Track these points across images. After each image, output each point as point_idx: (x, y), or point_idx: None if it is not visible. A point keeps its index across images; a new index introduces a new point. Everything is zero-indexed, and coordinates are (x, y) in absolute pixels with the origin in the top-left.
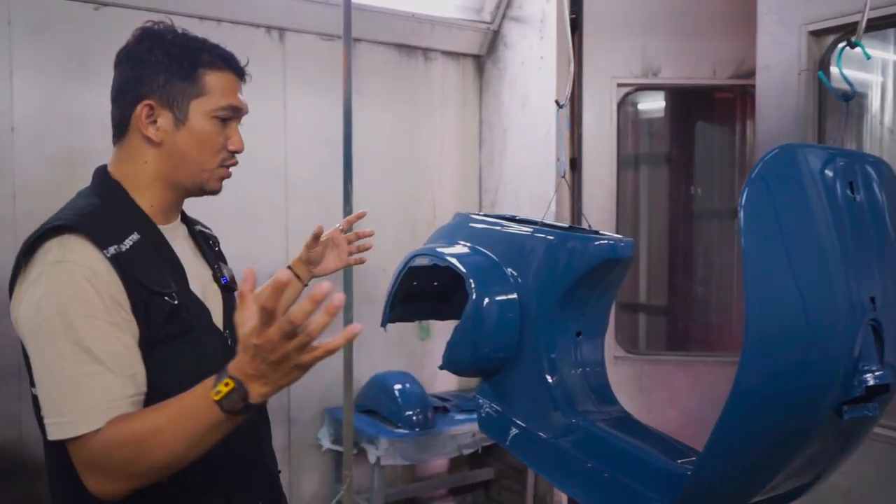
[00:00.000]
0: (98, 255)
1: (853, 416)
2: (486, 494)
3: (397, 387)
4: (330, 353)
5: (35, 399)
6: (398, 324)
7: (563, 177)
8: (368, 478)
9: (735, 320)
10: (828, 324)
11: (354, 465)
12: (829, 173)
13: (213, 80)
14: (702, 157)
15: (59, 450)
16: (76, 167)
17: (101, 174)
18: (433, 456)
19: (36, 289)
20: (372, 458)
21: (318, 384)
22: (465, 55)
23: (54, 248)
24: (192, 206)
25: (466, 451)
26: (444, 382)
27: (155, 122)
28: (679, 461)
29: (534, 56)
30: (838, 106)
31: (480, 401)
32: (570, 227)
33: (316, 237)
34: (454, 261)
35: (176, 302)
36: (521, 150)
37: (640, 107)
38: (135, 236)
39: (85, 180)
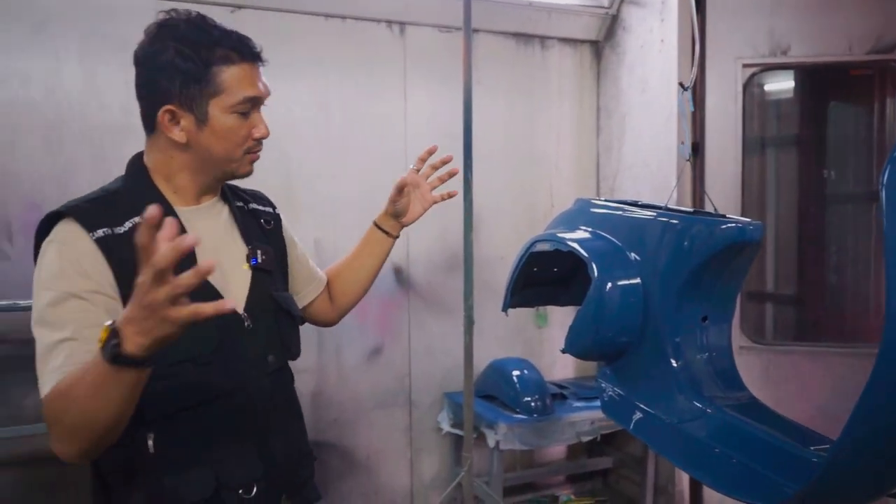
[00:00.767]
0: (84, 236)
1: None
2: (604, 483)
3: (516, 373)
4: (197, 315)
5: None
6: (516, 311)
7: (689, 160)
8: (487, 462)
9: (873, 309)
10: None
11: (473, 448)
12: None
13: (228, 76)
14: (835, 139)
15: None
16: None
17: (134, 161)
18: (551, 442)
19: (36, 267)
20: (491, 443)
21: (437, 369)
22: (582, 41)
23: (48, 230)
24: (315, 194)
25: (585, 439)
26: (563, 370)
27: (178, 124)
28: (812, 448)
29: (654, 39)
30: None
31: (603, 384)
32: (696, 211)
33: (400, 189)
34: (576, 245)
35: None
36: (641, 135)
37: (767, 87)
38: (136, 219)
39: None
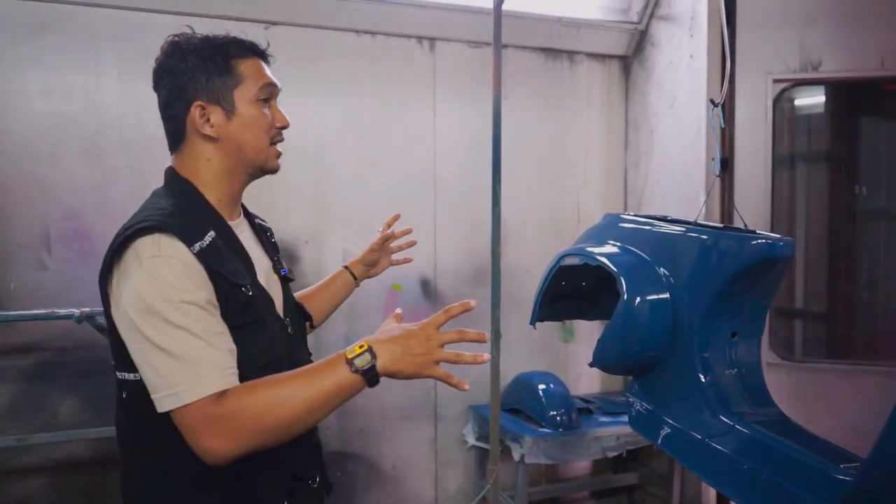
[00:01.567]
0: (187, 251)
1: None
2: (629, 499)
3: (541, 387)
4: (454, 359)
5: (121, 383)
6: (542, 325)
7: (718, 176)
8: (512, 475)
9: None
10: None
11: (498, 462)
12: None
13: (245, 67)
14: (867, 155)
15: (149, 425)
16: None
17: (173, 174)
18: (577, 457)
19: (137, 281)
20: (516, 456)
21: None
22: (610, 56)
23: (148, 245)
24: (345, 207)
25: (611, 454)
26: (589, 384)
27: (208, 119)
28: (842, 466)
29: (683, 55)
30: None
31: (630, 399)
32: (725, 227)
33: (380, 244)
34: (605, 260)
35: (250, 293)
36: (669, 150)
37: (798, 102)
38: (212, 233)
39: (255, 183)
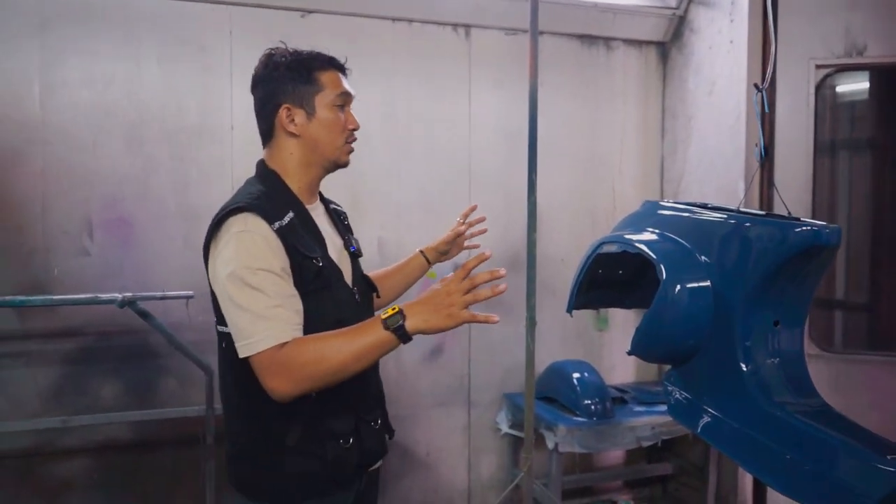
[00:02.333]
0: (268, 228)
1: None
2: (663, 490)
3: (576, 375)
4: (471, 320)
5: (220, 335)
6: (576, 314)
7: (761, 163)
8: (545, 463)
9: None
10: None
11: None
12: None
13: (325, 77)
14: None
15: (239, 370)
16: None
17: (262, 166)
18: (611, 446)
19: (227, 251)
20: (550, 445)
21: (497, 370)
22: (647, 43)
23: (238, 223)
24: (380, 195)
25: (646, 444)
26: (623, 373)
27: (293, 119)
28: (889, 457)
29: (723, 40)
30: None
31: (669, 388)
32: (768, 214)
33: (455, 237)
34: (644, 247)
35: (320, 264)
36: (707, 137)
37: (840, 89)
38: (290, 214)
39: None
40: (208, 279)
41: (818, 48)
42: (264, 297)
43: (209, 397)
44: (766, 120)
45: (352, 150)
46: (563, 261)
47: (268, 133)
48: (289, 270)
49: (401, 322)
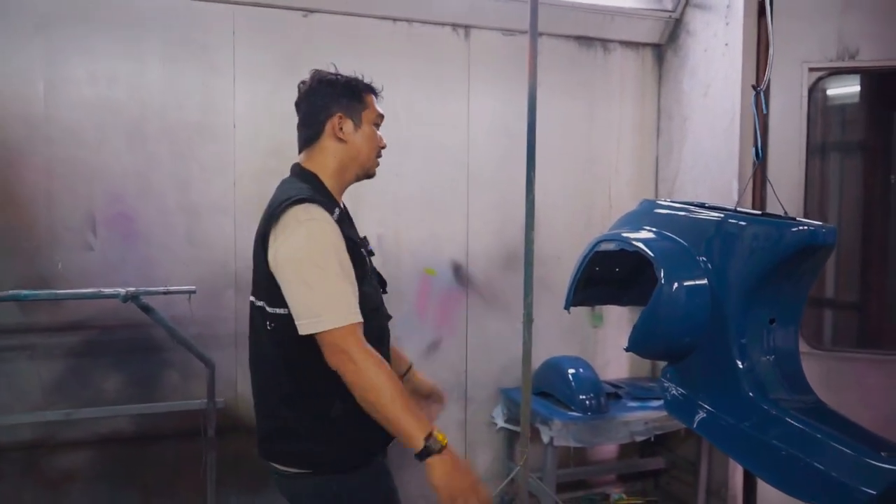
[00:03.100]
0: (330, 218)
1: None
2: (655, 484)
3: (571, 371)
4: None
5: (270, 316)
6: (572, 311)
7: (758, 162)
8: (540, 457)
9: None
10: None
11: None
12: None
13: (369, 98)
14: None
15: (291, 349)
16: (286, 158)
17: (300, 168)
18: (605, 441)
19: (296, 236)
20: (545, 439)
21: (493, 366)
22: (644, 45)
23: (304, 212)
24: (378, 192)
25: (639, 439)
26: (617, 369)
27: (342, 128)
28: (883, 453)
29: (718, 43)
30: None
31: (665, 384)
32: (764, 213)
33: (440, 400)
34: (642, 245)
35: (365, 252)
36: (702, 139)
37: (831, 92)
38: (337, 209)
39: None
40: (259, 264)
41: (811, 51)
42: (333, 280)
43: (210, 391)
44: (761, 121)
45: (378, 164)
46: (559, 258)
47: (313, 138)
48: (347, 256)
49: (427, 456)
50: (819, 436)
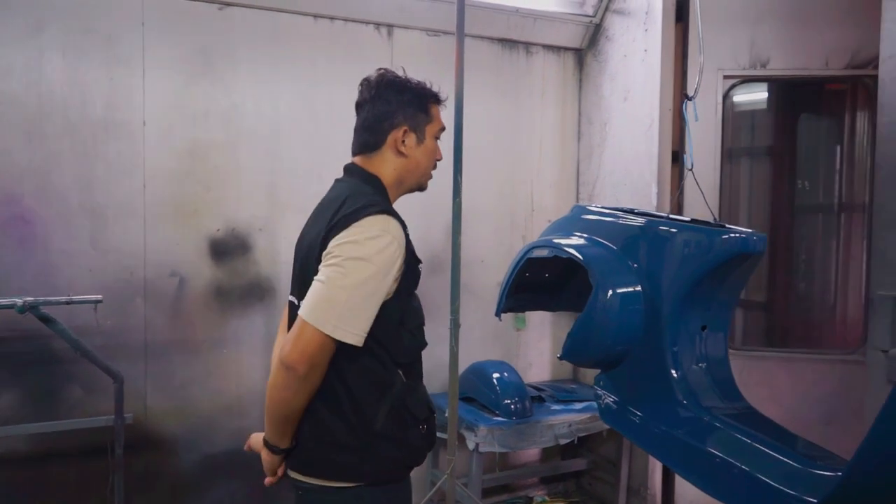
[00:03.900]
0: (403, 237)
1: None
2: (577, 484)
3: (496, 375)
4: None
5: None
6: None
7: (691, 169)
8: (465, 463)
9: (838, 317)
10: None
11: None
12: None
13: (435, 110)
14: (806, 151)
15: (340, 357)
16: (199, 158)
17: (362, 170)
18: (530, 445)
19: (366, 238)
20: (470, 445)
21: None
22: (565, 49)
23: (381, 223)
24: (300, 194)
25: (563, 441)
26: (540, 372)
27: (405, 142)
28: (818, 461)
29: (637, 49)
30: None
31: (599, 392)
32: (693, 221)
33: None
34: (575, 252)
35: (420, 270)
36: (622, 143)
37: (738, 98)
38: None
39: (207, 170)
40: (311, 264)
41: (726, 59)
42: (363, 299)
43: (119, 406)
44: (676, 128)
45: (432, 177)
46: (483, 262)
47: (375, 146)
48: (397, 276)
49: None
50: (755, 444)
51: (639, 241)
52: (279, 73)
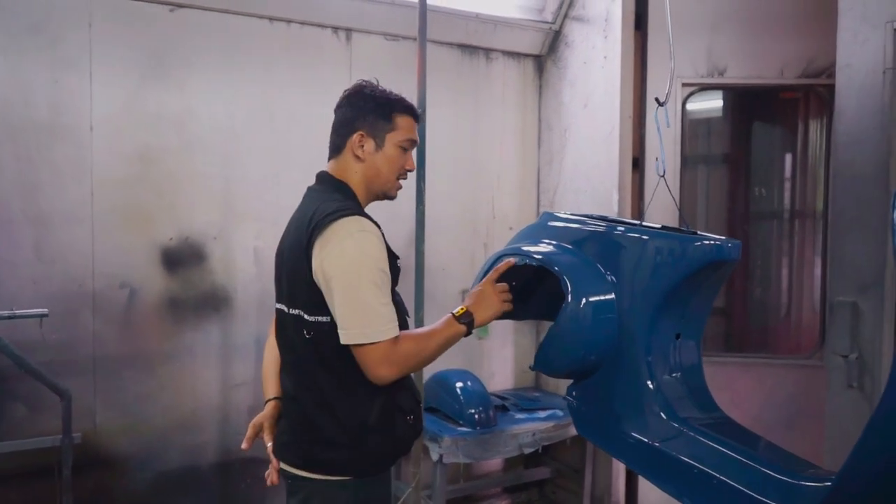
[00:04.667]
0: (379, 232)
1: None
2: (540, 493)
3: (459, 385)
4: (509, 303)
5: (310, 324)
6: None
7: (663, 176)
8: (429, 475)
9: (794, 323)
10: None
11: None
12: None
13: (402, 121)
14: (760, 158)
15: (333, 358)
16: (151, 164)
17: (331, 177)
18: (495, 454)
19: (346, 246)
20: (434, 456)
21: None
22: (525, 55)
23: (353, 224)
24: (256, 201)
25: (527, 451)
26: (503, 381)
27: (363, 146)
28: (803, 472)
29: (597, 55)
30: None
31: (573, 402)
32: (664, 227)
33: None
34: (546, 260)
35: (398, 265)
36: (582, 149)
37: (696, 106)
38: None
39: (159, 176)
40: (297, 273)
41: (684, 67)
42: (379, 294)
43: (66, 425)
44: (636, 135)
45: (400, 187)
46: (445, 270)
47: (338, 149)
48: (389, 271)
49: (472, 318)
50: (736, 455)
51: (610, 249)
52: (235, 77)
